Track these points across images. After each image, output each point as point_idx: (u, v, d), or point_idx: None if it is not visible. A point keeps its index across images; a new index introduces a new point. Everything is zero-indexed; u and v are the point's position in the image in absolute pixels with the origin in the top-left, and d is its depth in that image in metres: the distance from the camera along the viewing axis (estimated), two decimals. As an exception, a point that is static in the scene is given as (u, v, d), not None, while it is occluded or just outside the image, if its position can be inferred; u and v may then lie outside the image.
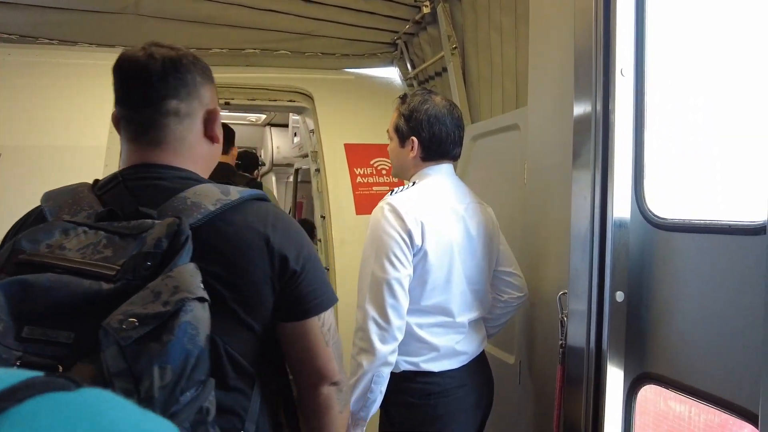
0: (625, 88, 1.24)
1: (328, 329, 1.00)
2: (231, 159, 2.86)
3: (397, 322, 1.42)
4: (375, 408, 1.47)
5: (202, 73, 0.98)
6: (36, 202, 1.98)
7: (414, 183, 1.56)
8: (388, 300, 1.41)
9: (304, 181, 4.73)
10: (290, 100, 3.13)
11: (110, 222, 0.82)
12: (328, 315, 1.00)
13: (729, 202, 1.13)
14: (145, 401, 0.67)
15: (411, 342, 1.50)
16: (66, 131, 2.15)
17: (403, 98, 1.62)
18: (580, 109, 1.33)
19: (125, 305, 0.70)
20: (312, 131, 3.16)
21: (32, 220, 0.92)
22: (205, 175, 1.02)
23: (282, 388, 1.05)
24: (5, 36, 2.64)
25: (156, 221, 0.81)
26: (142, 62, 0.91)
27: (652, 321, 1.22)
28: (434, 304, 1.50)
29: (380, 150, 2.99)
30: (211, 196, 0.88)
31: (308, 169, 3.50)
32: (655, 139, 1.25)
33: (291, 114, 4.43)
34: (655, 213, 1.22)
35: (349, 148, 2.96)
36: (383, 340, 1.41)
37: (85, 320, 0.71)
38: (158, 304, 0.70)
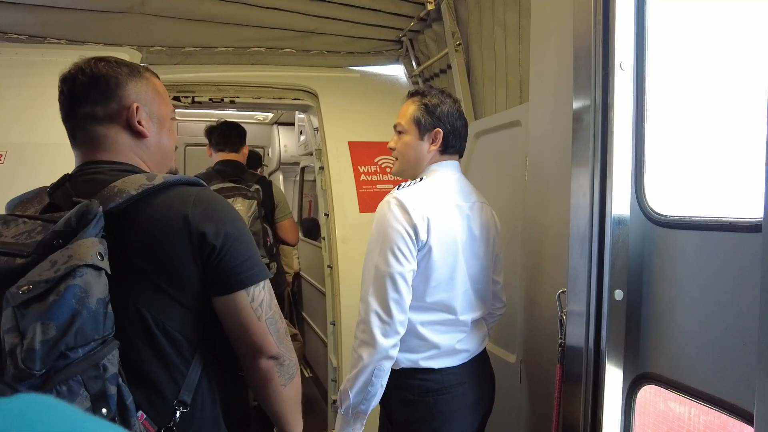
0: (625, 82, 1.22)
1: (260, 304, 1.05)
2: (242, 157, 2.89)
3: (399, 317, 1.41)
4: (375, 401, 1.47)
5: (124, 74, 1.06)
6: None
7: (421, 179, 1.55)
8: (391, 294, 1.40)
9: (310, 180, 4.73)
10: (295, 98, 3.13)
11: (50, 213, 0.94)
12: (258, 290, 1.05)
13: (731, 198, 1.10)
14: (27, 352, 0.76)
15: (411, 339, 1.49)
16: (70, 129, 2.17)
17: (419, 93, 1.61)
18: (579, 104, 1.31)
19: (28, 275, 0.82)
20: (317, 129, 3.16)
21: None
22: (160, 167, 1.12)
23: (229, 360, 1.10)
24: (14, 36, 2.68)
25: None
26: (65, 78, 1.05)
27: (651, 320, 1.19)
28: (437, 301, 1.49)
29: (384, 148, 2.97)
30: (136, 183, 0.97)
31: (314, 167, 3.50)
32: (656, 135, 1.22)
33: (297, 112, 4.44)
34: (656, 210, 1.20)
35: (353, 146, 2.95)
36: (385, 334, 1.40)
37: (1, 292, 0.83)
38: (51, 271, 0.81)
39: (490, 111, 2.51)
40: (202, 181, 1.07)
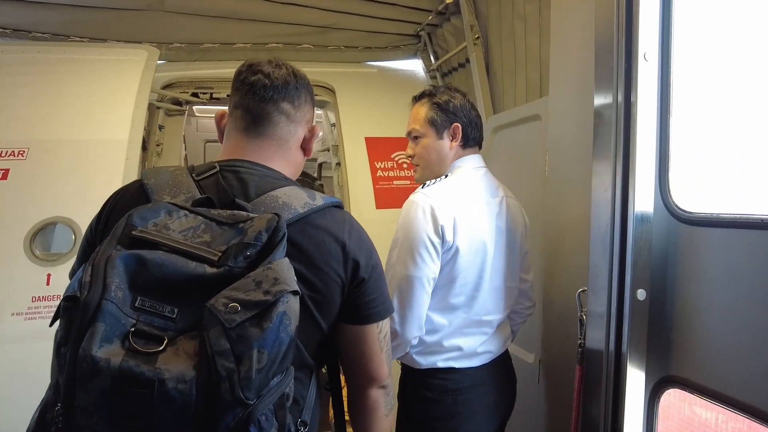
0: (649, 74, 1.17)
1: (384, 336, 1.06)
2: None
3: (416, 320, 1.40)
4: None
5: (310, 94, 1.10)
6: (62, 192, 2.06)
7: (446, 175, 1.51)
8: (406, 297, 1.38)
9: (328, 176, 4.74)
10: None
11: (207, 208, 0.88)
12: (385, 323, 1.06)
13: (762, 194, 1.05)
14: (245, 381, 0.72)
15: (432, 340, 1.46)
16: (90, 125, 2.21)
17: (425, 94, 1.58)
18: (600, 96, 1.26)
19: (228, 290, 0.76)
20: (333, 125, 3.15)
21: (132, 193, 0.99)
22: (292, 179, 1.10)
23: (333, 386, 1.10)
24: (38, 35, 2.73)
25: (251, 214, 0.87)
26: (268, 68, 1.03)
27: (676, 321, 1.15)
28: (462, 302, 1.46)
29: (401, 143, 2.94)
30: (300, 199, 0.95)
31: (331, 164, 3.50)
32: (682, 128, 1.17)
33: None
34: (681, 206, 1.15)
35: (369, 141, 2.94)
36: (403, 330, 1.40)
37: (187, 298, 0.77)
38: (259, 292, 0.75)
39: (509, 105, 2.46)
40: (341, 202, 1.06)
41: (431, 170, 1.56)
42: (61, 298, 0.77)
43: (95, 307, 0.71)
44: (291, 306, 0.77)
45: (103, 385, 0.68)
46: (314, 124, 1.11)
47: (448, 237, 1.39)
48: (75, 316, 0.72)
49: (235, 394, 0.71)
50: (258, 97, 1.02)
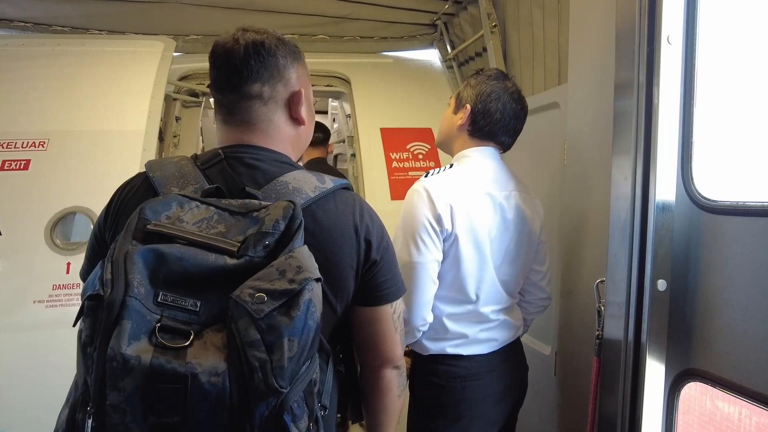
0: (672, 58, 1.13)
1: (398, 316, 1.06)
2: (325, 154, 3.11)
3: (422, 306, 1.39)
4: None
5: (287, 55, 1.00)
6: (81, 182, 2.09)
7: (452, 165, 1.50)
8: (413, 284, 1.38)
9: (344, 168, 4.73)
10: (327, 85, 3.11)
11: (217, 198, 0.87)
12: (399, 303, 1.05)
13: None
14: (278, 369, 0.71)
15: (438, 327, 1.46)
16: (108, 116, 2.23)
17: (479, 72, 1.59)
18: (621, 81, 1.22)
19: (252, 280, 0.75)
20: (349, 116, 3.13)
21: (138, 186, 0.96)
22: (296, 156, 1.06)
23: (348, 368, 1.09)
24: (58, 28, 2.77)
25: (262, 202, 0.85)
26: (227, 48, 0.95)
27: (698, 312, 1.12)
28: (464, 291, 1.45)
29: (417, 134, 2.93)
30: (310, 183, 0.93)
31: (346, 155, 3.49)
32: (706, 115, 1.13)
33: (330, 99, 4.43)
34: (704, 195, 1.11)
35: (385, 132, 2.92)
36: (410, 316, 1.40)
37: (209, 290, 0.76)
38: (284, 281, 0.75)
39: (527, 93, 2.40)
40: (350, 183, 1.04)
41: (440, 139, 1.65)
42: (82, 296, 0.76)
43: (120, 305, 0.70)
44: (315, 293, 0.77)
45: (135, 383, 0.68)
46: (298, 88, 1.01)
47: (446, 224, 1.38)
48: (100, 314, 0.71)
49: (268, 383, 0.71)
50: (225, 87, 0.97)
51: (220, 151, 0.97)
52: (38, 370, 1.91)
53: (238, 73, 0.95)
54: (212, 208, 0.84)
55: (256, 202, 0.86)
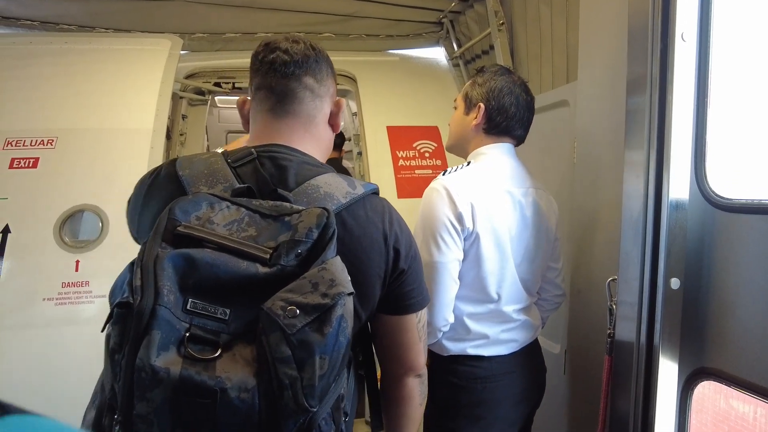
0: (686, 55, 1.13)
1: (423, 326, 1.05)
2: (339, 156, 3.40)
3: (444, 307, 1.38)
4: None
5: (331, 68, 1.04)
6: (89, 180, 2.09)
7: (469, 163, 1.49)
8: (434, 284, 1.36)
9: (350, 166, 4.73)
10: (334, 83, 3.11)
11: (248, 199, 0.84)
12: (423, 313, 1.04)
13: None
14: (308, 388, 0.70)
15: (459, 327, 1.45)
16: (116, 115, 2.24)
17: (477, 71, 1.57)
18: (634, 78, 1.22)
19: (283, 292, 0.73)
20: (355, 114, 3.13)
21: (162, 180, 0.93)
22: (323, 159, 1.06)
23: (369, 376, 1.08)
24: (65, 27, 2.78)
25: (295, 206, 0.84)
26: (285, 44, 0.98)
27: (712, 311, 1.11)
28: (485, 291, 1.43)
29: (424, 132, 2.92)
30: (341, 188, 0.92)
31: (352, 153, 3.50)
32: (720, 112, 1.12)
33: (336, 98, 4.40)
34: (718, 193, 1.10)
35: (391, 130, 2.91)
36: (431, 317, 1.38)
37: (239, 298, 0.74)
38: (317, 295, 0.73)
39: (535, 91, 2.39)
40: (377, 188, 1.03)
41: (453, 141, 1.61)
42: (110, 300, 0.75)
43: (150, 314, 0.69)
44: (348, 308, 0.75)
45: (164, 395, 0.67)
46: (337, 98, 1.06)
47: (467, 223, 1.37)
48: (129, 322, 0.70)
49: (298, 401, 0.69)
50: (280, 74, 0.97)
51: (252, 149, 0.95)
52: (47, 368, 1.92)
53: (297, 63, 0.97)
54: (243, 209, 0.82)
55: (287, 204, 0.84)
